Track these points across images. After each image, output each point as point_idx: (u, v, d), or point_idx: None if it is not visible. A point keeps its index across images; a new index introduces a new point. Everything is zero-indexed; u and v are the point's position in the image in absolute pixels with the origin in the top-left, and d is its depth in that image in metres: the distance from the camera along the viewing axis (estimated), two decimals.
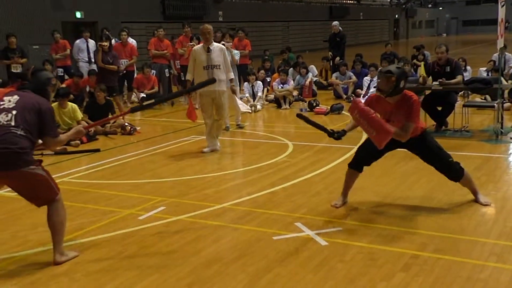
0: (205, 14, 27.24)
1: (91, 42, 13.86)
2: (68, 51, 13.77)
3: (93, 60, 13.25)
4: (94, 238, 4.62)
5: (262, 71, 13.25)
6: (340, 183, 6.00)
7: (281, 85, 12.14)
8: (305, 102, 11.78)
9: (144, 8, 23.85)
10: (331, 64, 14.79)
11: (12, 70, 11.81)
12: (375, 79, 11.68)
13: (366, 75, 12.66)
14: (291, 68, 14.23)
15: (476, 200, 5.24)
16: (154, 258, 4.20)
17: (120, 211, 5.29)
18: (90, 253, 4.32)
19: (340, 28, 15.33)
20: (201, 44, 7.87)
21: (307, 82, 12.99)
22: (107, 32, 12.14)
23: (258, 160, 7.21)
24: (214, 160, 7.35)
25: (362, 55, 15.40)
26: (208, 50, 7.63)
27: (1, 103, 3.93)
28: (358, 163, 5.28)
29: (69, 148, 8.02)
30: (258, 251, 4.26)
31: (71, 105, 8.80)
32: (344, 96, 12.65)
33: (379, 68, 5.42)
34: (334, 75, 13.51)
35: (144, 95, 11.68)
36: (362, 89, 12.51)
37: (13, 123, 3.82)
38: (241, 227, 4.80)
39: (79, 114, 8.84)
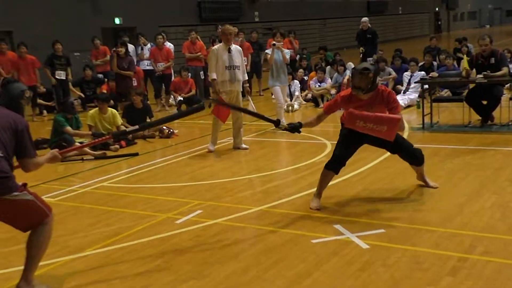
0: (241, 15, 27.24)
1: (130, 47, 14.00)
2: (108, 57, 13.92)
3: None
4: (132, 243, 4.59)
5: (301, 70, 13.07)
6: (380, 183, 5.85)
7: (318, 84, 11.96)
8: None
9: (181, 12, 24.03)
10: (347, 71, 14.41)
11: (57, 77, 12.04)
12: (415, 74, 11.36)
13: (406, 71, 12.32)
14: (329, 66, 14.01)
15: (426, 185, 5.55)
16: (190, 263, 4.13)
17: (157, 215, 5.26)
18: (128, 259, 4.28)
19: (369, 24, 14.91)
20: (221, 44, 7.92)
21: (345, 80, 12.72)
22: (125, 38, 12.22)
23: (296, 160, 7.08)
24: (251, 161, 7.26)
25: (402, 50, 15.03)
26: (229, 51, 7.76)
27: None
28: (336, 165, 5.24)
29: (108, 153, 8.09)
30: (297, 255, 4.14)
31: (111, 110, 8.87)
32: None
33: (354, 67, 5.46)
34: None
35: (181, 98, 11.71)
36: (402, 85, 12.18)
37: None
38: (279, 230, 4.69)
39: (119, 120, 8.90)
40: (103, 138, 4.21)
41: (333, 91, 12.57)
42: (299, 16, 31.03)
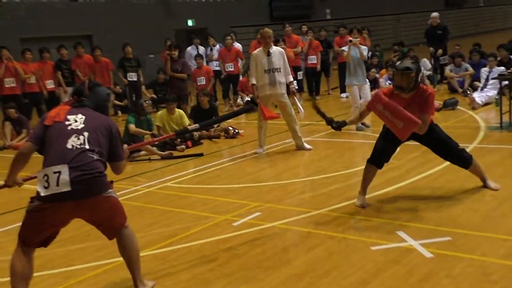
0: (313, 12, 26.99)
1: (201, 49, 14.18)
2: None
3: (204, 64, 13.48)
4: (188, 245, 4.59)
5: (373, 70, 12.67)
6: (449, 186, 5.53)
7: (389, 81, 11.55)
8: None
9: (252, 12, 24.13)
10: (432, 61, 13.60)
11: (128, 79, 12.40)
12: (494, 69, 10.70)
13: (485, 66, 11.65)
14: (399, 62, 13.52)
15: (486, 186, 5.32)
16: (244, 267, 4.06)
17: (215, 216, 5.24)
18: (182, 260, 4.28)
19: (439, 20, 13.98)
20: (261, 48, 7.86)
21: None
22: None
23: (360, 162, 6.78)
24: (315, 162, 7.10)
25: (480, 45, 14.23)
26: (268, 54, 7.69)
27: (67, 123, 3.47)
28: (378, 159, 5.19)
29: (175, 153, 8.20)
30: (354, 262, 3.96)
31: (178, 111, 9.01)
32: (460, 90, 11.76)
33: (395, 65, 5.22)
34: (448, 67, 12.61)
35: (249, 99, 11.68)
36: (480, 81, 11.53)
37: (87, 147, 3.41)
38: (337, 235, 4.52)
39: (186, 120, 9.01)
40: (168, 135, 4.35)
41: None
42: (372, 12, 30.30)
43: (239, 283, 3.81)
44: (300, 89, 12.92)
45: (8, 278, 3.56)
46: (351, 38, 9.27)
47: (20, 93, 11.05)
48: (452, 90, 12.08)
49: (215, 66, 13.10)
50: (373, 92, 5.14)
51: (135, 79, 12.52)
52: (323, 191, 5.82)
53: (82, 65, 12.03)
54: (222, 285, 3.81)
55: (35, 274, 4.10)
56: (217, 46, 13.63)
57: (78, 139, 3.41)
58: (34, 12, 17.59)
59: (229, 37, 12.67)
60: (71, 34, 17.86)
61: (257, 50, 7.96)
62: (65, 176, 3.28)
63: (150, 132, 8.36)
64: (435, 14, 13.49)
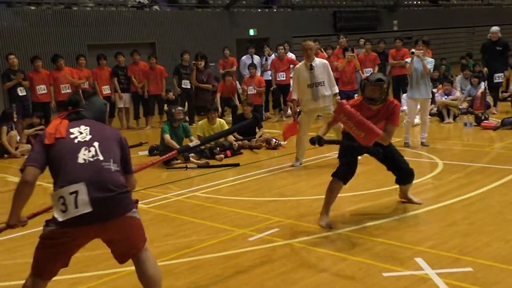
0: (379, 24, 26.41)
1: (256, 58, 14.19)
2: (234, 68, 14.24)
3: (258, 74, 13.45)
4: (199, 258, 4.50)
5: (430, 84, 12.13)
6: (486, 212, 5.16)
7: (445, 97, 11.04)
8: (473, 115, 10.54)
9: (316, 22, 23.93)
10: (485, 83, 11.85)
11: (182, 86, 12.54)
12: None
13: None
14: (460, 76, 12.93)
15: (410, 201, 5.50)
16: (247, 285, 3.93)
17: (233, 230, 5.14)
18: (188, 274, 4.19)
19: (500, 34, 12.81)
20: (303, 62, 7.64)
21: (479, 93, 11.63)
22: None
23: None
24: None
25: None
26: (311, 68, 7.48)
27: (72, 136, 3.11)
28: (344, 174, 5.16)
29: (212, 162, 8.18)
30: None
31: (219, 120, 9.00)
32: None
33: (366, 77, 5.25)
34: None
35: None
36: None
37: (101, 157, 3.05)
38: (350, 257, 4.29)
39: None
40: (169, 154, 4.05)
41: (464, 105, 11.57)
42: (442, 24, 29.26)
43: None
44: None
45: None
46: (413, 50, 8.89)
47: None
48: None
49: (269, 76, 13.06)
50: (338, 104, 5.05)
51: (189, 87, 12.66)
52: (348, 209, 5.58)
53: (137, 71, 12.33)
54: None
55: None
56: (273, 56, 13.59)
57: (89, 151, 3.04)
58: (102, 20, 18.30)
59: (281, 47, 12.58)
60: (136, 41, 18.41)
61: (300, 64, 7.80)
62: (84, 196, 2.91)
63: (178, 146, 8.30)
64: (495, 28, 12.33)
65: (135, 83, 12.21)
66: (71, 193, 2.92)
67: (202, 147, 8.53)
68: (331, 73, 7.77)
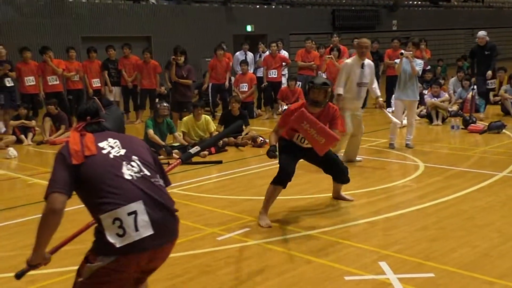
0: (378, 23, 26.32)
1: (250, 55, 14.13)
2: (230, 64, 14.14)
3: (250, 71, 13.35)
4: None
5: (420, 85, 12.08)
6: (458, 217, 5.13)
7: (434, 98, 11.00)
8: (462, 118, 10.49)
9: (314, 20, 23.86)
10: (473, 86, 11.55)
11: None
12: None
13: None
14: (453, 78, 12.89)
15: (344, 199, 5.73)
16: (208, 285, 3.90)
17: (204, 229, 5.11)
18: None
19: (488, 38, 12.57)
20: (354, 58, 7.39)
21: (469, 96, 11.57)
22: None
23: (376, 182, 6.50)
24: (328, 179, 6.77)
25: None
26: (362, 66, 7.25)
27: (104, 152, 2.67)
28: (284, 180, 5.13)
29: (194, 159, 8.14)
30: None
31: (204, 117, 8.96)
32: None
33: (311, 81, 5.23)
34: (504, 87, 11.83)
35: (285, 107, 11.48)
36: None
37: (147, 173, 2.67)
38: (315, 260, 4.26)
39: (212, 126, 8.95)
40: (174, 165, 3.50)
41: (454, 108, 11.52)
42: (442, 25, 29.16)
43: None
44: None
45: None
46: (403, 51, 8.83)
47: (63, 90, 11.43)
48: (506, 112, 11.34)
49: (261, 73, 13.02)
50: (298, 112, 4.99)
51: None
52: (323, 210, 5.55)
53: (128, 65, 12.29)
54: None
55: None
56: (267, 53, 13.54)
57: (132, 166, 2.65)
58: (97, 12, 18.24)
59: (273, 44, 12.54)
60: (131, 35, 18.36)
61: (351, 59, 7.50)
62: (144, 216, 2.52)
63: (163, 143, 8.29)
64: (481, 33, 12.02)
65: (125, 77, 12.17)
66: (129, 214, 2.51)
67: (185, 143, 8.53)
68: (374, 74, 7.65)
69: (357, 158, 7.64)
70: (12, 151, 8.93)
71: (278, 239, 4.77)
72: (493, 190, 6.01)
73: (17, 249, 4.70)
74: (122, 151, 2.69)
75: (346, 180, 5.55)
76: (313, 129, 4.87)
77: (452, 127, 9.97)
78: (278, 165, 5.22)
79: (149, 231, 2.51)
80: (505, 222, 4.97)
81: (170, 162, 7.88)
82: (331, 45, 12.54)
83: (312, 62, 12.42)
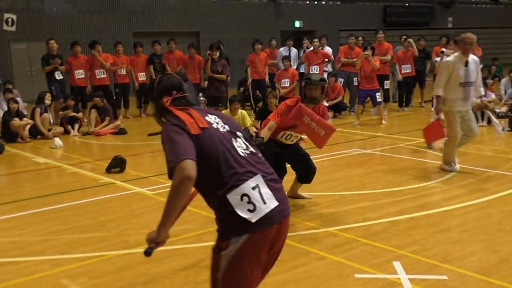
0: (432, 20, 25.66)
1: (294, 51, 14.13)
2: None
3: (293, 66, 13.34)
4: (182, 247, 4.59)
5: None
6: (484, 221, 5.00)
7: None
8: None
9: (365, 16, 23.53)
10: None
11: None
12: None
13: None
14: (505, 79, 12.43)
15: (298, 196, 5.72)
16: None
17: None
18: (165, 262, 4.27)
19: None
20: (457, 55, 6.73)
21: None
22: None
23: (406, 182, 6.40)
24: (356, 177, 6.71)
25: None
26: (466, 64, 6.62)
27: (214, 126, 2.55)
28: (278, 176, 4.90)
29: None
30: None
31: (241, 111, 9.03)
32: None
33: (308, 77, 5.25)
34: None
35: (327, 104, 11.42)
36: None
37: (253, 149, 2.61)
38: (329, 257, 4.26)
39: (248, 121, 9.02)
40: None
41: (503, 109, 11.12)
42: (500, 23, 28.06)
43: None
44: (386, 99, 12.41)
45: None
46: (443, 49, 8.63)
47: (110, 83, 11.83)
48: None
49: (304, 68, 12.99)
50: (297, 107, 5.05)
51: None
52: (346, 208, 5.51)
53: (172, 60, 12.56)
54: None
55: (25, 259, 4.40)
56: (311, 49, 13.48)
57: (239, 143, 2.56)
58: (148, 8, 18.69)
59: (316, 40, 12.49)
60: (180, 30, 18.73)
61: (453, 56, 6.80)
62: (265, 189, 2.47)
63: None
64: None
65: (168, 71, 12.42)
66: (253, 188, 2.45)
67: None
68: (480, 72, 7.07)
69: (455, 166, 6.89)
70: (57, 141, 9.32)
71: (297, 234, 4.79)
72: None
73: (46, 235, 4.94)
74: (227, 127, 2.59)
75: (310, 181, 5.56)
76: (314, 122, 5.01)
77: (499, 129, 9.60)
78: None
79: (275, 203, 2.47)
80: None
81: None
82: (381, 42, 12.34)
83: (355, 59, 12.26)
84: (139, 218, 5.38)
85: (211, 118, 2.59)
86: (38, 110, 10.08)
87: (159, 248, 4.47)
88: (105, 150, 9.11)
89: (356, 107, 11.89)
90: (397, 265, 4.05)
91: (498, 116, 10.63)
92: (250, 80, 12.83)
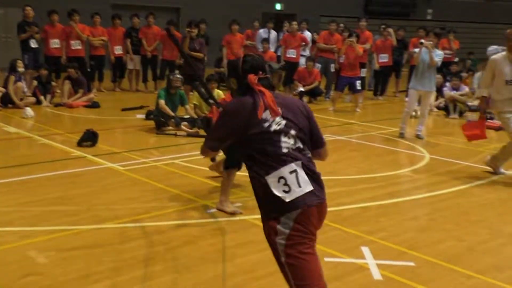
0: (412, 11, 25.80)
1: (273, 33, 14.06)
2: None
3: (271, 49, 13.29)
4: (151, 224, 4.54)
5: (439, 76, 11.89)
6: (451, 210, 5.09)
7: (454, 91, 10.81)
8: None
9: (345, 2, 23.49)
10: None
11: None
12: None
13: None
14: (479, 73, 12.60)
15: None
16: (186, 256, 3.96)
17: (196, 200, 5.18)
18: (135, 239, 4.24)
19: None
20: (503, 53, 6.31)
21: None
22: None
23: (378, 169, 6.47)
24: (330, 164, 6.72)
25: None
26: None
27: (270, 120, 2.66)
28: (237, 161, 4.96)
29: (202, 132, 8.20)
30: None
31: (217, 91, 8.90)
32: None
33: (269, 65, 5.09)
34: None
35: (302, 89, 11.43)
36: None
37: (301, 146, 2.73)
38: None
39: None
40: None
41: (475, 102, 11.28)
42: (481, 18, 28.37)
43: (168, 272, 3.71)
44: (362, 87, 12.47)
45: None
46: (422, 40, 8.67)
47: (85, 55, 11.60)
48: None
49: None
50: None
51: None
52: None
53: (149, 35, 12.35)
54: (151, 271, 3.71)
55: None
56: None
57: (288, 138, 2.70)
58: None
59: (294, 22, 12.45)
60: (161, 5, 18.40)
61: (498, 55, 6.38)
62: (303, 174, 2.64)
63: (173, 114, 8.32)
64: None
65: (144, 46, 12.24)
66: (290, 172, 2.63)
67: (196, 116, 8.57)
68: None
69: (501, 170, 6.51)
70: (29, 111, 9.12)
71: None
72: (495, 187, 5.94)
73: (14, 206, 4.84)
74: (283, 122, 2.69)
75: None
76: None
77: (469, 121, 9.78)
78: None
79: (310, 187, 2.65)
80: (499, 220, 4.91)
81: (178, 133, 8.03)
82: (363, 30, 12.36)
83: (334, 45, 12.28)
84: (110, 194, 5.31)
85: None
86: (12, 78, 9.83)
87: (128, 225, 4.51)
88: (77, 122, 8.95)
89: (332, 93, 11.93)
90: (365, 250, 4.10)
91: (470, 109, 10.82)
92: (225, 60, 12.72)
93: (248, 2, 20.62)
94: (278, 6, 21.64)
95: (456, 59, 14.59)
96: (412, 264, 3.90)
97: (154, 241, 4.21)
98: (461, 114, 10.53)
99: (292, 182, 2.61)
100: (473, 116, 9.98)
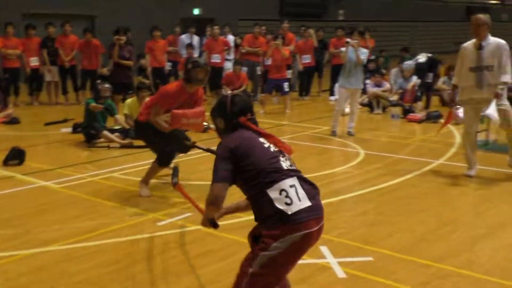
0: (324, 12, 26.60)
1: (195, 38, 13.91)
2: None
3: (195, 55, 13.14)
4: (101, 242, 4.35)
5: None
6: (397, 203, 5.26)
7: (376, 87, 11.23)
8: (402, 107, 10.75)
9: (262, 5, 23.80)
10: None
11: None
12: None
13: None
14: (395, 69, 13.17)
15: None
16: (147, 271, 3.82)
17: (144, 213, 5.01)
18: (85, 259, 4.03)
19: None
20: (471, 41, 6.22)
21: (410, 86, 11.86)
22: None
23: (318, 168, 6.57)
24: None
25: None
26: (480, 47, 6.04)
27: (265, 146, 2.89)
28: (168, 160, 5.84)
29: (136, 142, 7.95)
30: None
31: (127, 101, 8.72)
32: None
33: (195, 60, 5.67)
34: (442, 79, 12.19)
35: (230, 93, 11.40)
36: None
37: (295, 168, 2.90)
38: None
39: None
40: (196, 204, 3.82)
41: (395, 97, 11.78)
42: (388, 17, 29.75)
43: None
44: (290, 88, 12.65)
45: None
46: (348, 40, 8.90)
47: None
48: (444, 102, 11.71)
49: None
50: (173, 116, 5.38)
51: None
52: None
53: (66, 44, 11.82)
54: None
55: None
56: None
57: (285, 160, 2.89)
58: None
59: (216, 26, 12.40)
60: (75, 13, 17.71)
61: (468, 42, 6.27)
62: (301, 190, 2.76)
63: (102, 107, 8.02)
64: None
65: (62, 56, 11.71)
66: (290, 186, 2.75)
67: (127, 126, 8.29)
68: (508, 57, 6.13)
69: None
70: None
71: (224, 224, 4.70)
72: (432, 177, 6.21)
73: None
74: (277, 148, 2.91)
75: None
76: (191, 118, 5.42)
77: (392, 116, 10.22)
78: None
79: (308, 202, 2.74)
80: (442, 207, 5.14)
81: (111, 146, 7.73)
82: (285, 32, 12.53)
83: (259, 48, 12.37)
84: (48, 214, 5.01)
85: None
86: None
87: (74, 245, 4.27)
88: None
89: (260, 96, 12.00)
90: (324, 249, 4.14)
91: (391, 104, 11.27)
92: (149, 68, 12.42)
93: (165, 8, 20.34)
94: (196, 11, 21.52)
95: (373, 57, 15.19)
96: (371, 259, 3.99)
97: (107, 261, 4.01)
98: (384, 109, 10.94)
99: (292, 195, 2.72)
100: (396, 111, 10.41)
